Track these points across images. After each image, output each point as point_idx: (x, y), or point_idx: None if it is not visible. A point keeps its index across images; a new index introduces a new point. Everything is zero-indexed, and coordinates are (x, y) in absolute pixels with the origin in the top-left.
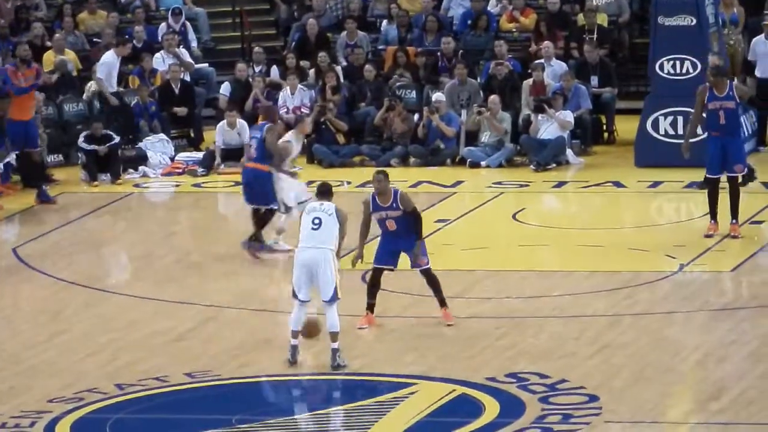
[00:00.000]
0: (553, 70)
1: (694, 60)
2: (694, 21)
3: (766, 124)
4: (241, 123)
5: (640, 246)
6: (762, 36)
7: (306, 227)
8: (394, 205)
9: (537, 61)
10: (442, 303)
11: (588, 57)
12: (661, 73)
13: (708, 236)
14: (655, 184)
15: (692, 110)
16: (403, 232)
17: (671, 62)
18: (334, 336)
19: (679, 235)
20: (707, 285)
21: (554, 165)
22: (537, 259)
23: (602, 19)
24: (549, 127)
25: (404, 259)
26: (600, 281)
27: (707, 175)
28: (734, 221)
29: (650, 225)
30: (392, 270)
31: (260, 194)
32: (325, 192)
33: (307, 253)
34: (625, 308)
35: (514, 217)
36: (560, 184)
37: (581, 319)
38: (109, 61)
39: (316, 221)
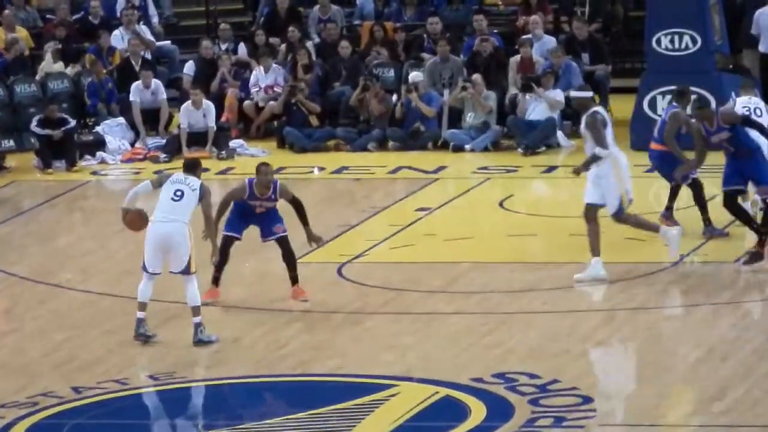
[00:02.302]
0: (541, 46)
1: (694, 34)
2: None
3: None
4: (207, 104)
5: (636, 235)
6: (766, 8)
7: (166, 197)
8: (272, 196)
9: (524, 36)
10: (294, 280)
11: (578, 32)
12: (658, 49)
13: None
14: (653, 168)
15: (692, 88)
16: (268, 216)
17: (669, 37)
18: (195, 310)
19: (679, 223)
20: (709, 277)
21: (544, 148)
22: (526, 249)
23: None
24: (537, 108)
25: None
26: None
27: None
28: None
29: (648, 212)
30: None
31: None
32: (191, 166)
33: (163, 228)
34: (621, 302)
35: (500, 204)
36: (550, 168)
37: (574, 314)
38: None
39: (178, 193)
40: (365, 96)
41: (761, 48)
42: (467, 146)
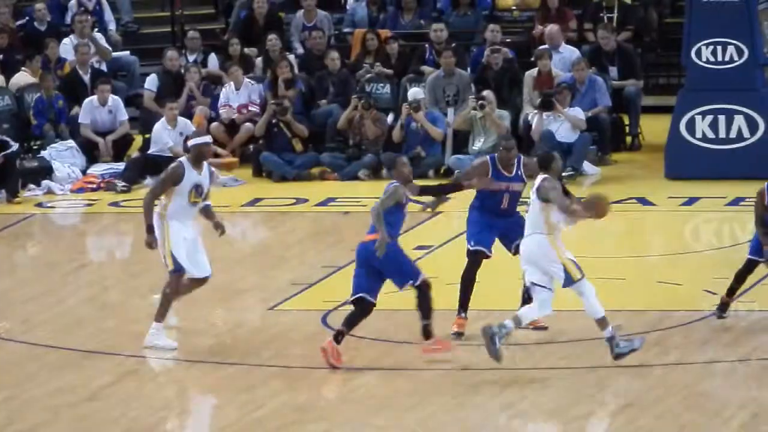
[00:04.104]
0: (562, 58)
1: (740, 44)
2: None
3: None
4: (183, 122)
5: (671, 279)
6: None
7: None
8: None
9: (542, 47)
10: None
11: (604, 42)
12: (698, 62)
13: None
14: (691, 200)
15: (737, 107)
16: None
17: (711, 47)
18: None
19: (721, 264)
20: (756, 328)
21: (571, 172)
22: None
23: None
24: (560, 128)
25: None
26: (622, 322)
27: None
28: None
29: (684, 252)
30: None
31: None
32: None
33: None
34: (654, 357)
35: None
36: None
37: (599, 370)
38: None
39: None
40: (356, 116)
41: None
42: None
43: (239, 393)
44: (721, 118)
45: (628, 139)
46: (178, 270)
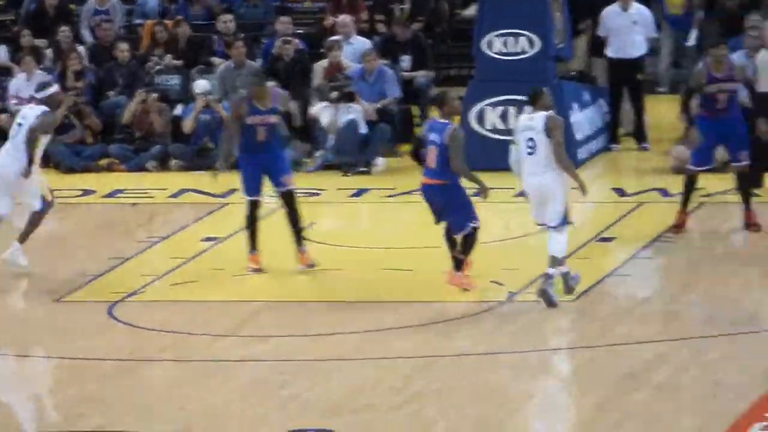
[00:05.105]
0: (353, 49)
1: (532, 36)
2: None
3: (617, 118)
4: None
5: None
6: (615, 6)
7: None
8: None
9: (333, 38)
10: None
11: (398, 32)
12: (489, 53)
13: None
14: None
15: (524, 98)
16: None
17: (502, 39)
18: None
19: (509, 255)
20: (543, 319)
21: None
22: (329, 286)
23: None
24: (352, 119)
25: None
26: (409, 314)
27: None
28: None
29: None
30: None
31: None
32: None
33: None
34: (441, 348)
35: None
36: (359, 192)
37: (384, 361)
38: None
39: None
40: (138, 110)
41: (609, 53)
42: None
43: (24, 384)
44: (512, 109)
45: (417, 130)
46: None
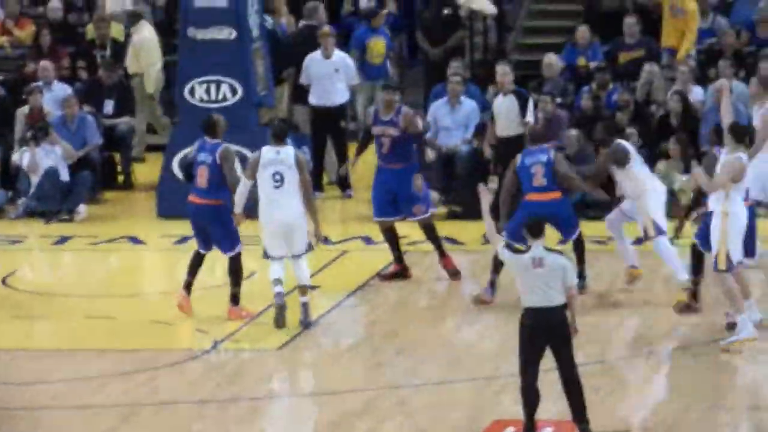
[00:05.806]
0: (53, 96)
1: (234, 83)
2: (234, 34)
3: (321, 166)
4: None
5: (164, 318)
6: (318, 53)
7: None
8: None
9: (33, 84)
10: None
11: (103, 77)
12: (191, 100)
13: None
14: (184, 239)
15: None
16: None
17: (204, 86)
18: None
19: (214, 303)
20: (248, 367)
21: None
22: (31, 334)
23: (117, 32)
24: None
25: None
26: (113, 362)
27: None
28: None
29: (178, 291)
30: None
31: None
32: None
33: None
34: (145, 396)
35: (3, 281)
36: (63, 239)
37: (87, 411)
38: None
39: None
40: None
41: (312, 100)
42: None
43: None
44: None
45: (121, 177)
46: None
